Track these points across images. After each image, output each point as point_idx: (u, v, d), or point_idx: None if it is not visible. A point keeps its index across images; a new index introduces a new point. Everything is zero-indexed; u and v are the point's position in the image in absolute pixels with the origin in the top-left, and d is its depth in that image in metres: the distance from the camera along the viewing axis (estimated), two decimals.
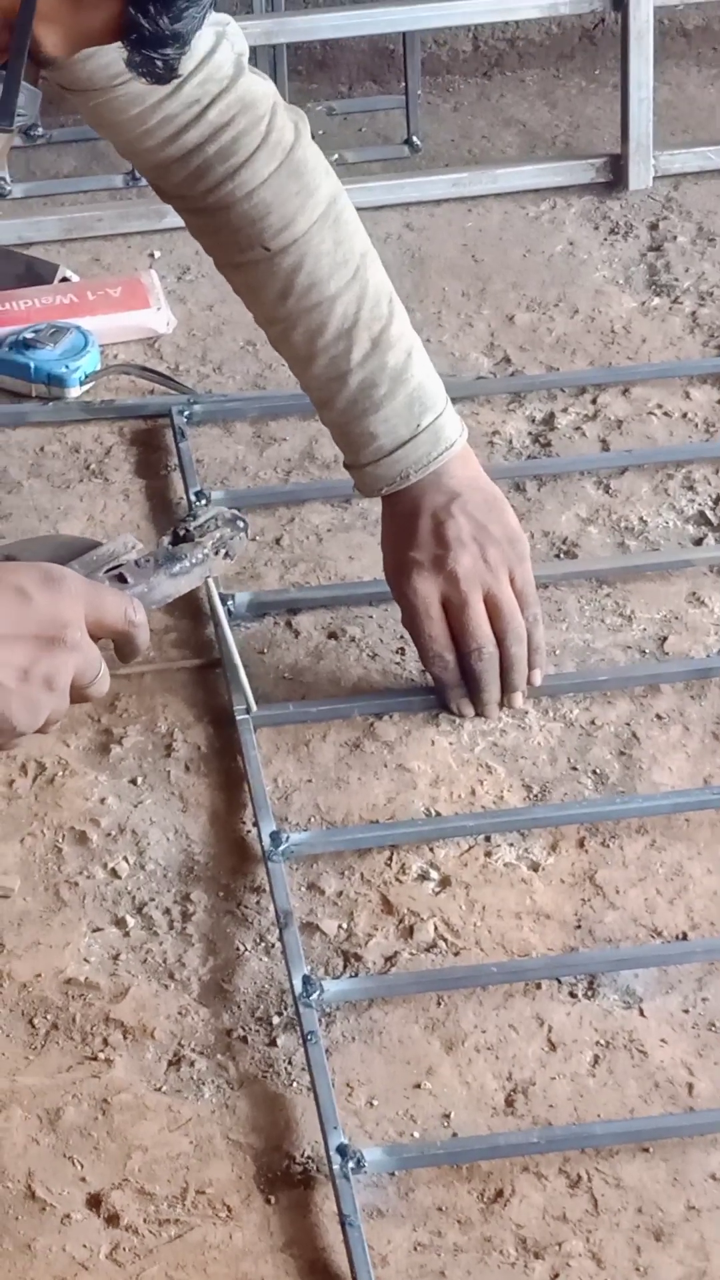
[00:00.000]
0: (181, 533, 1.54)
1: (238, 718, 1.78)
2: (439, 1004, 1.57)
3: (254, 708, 1.77)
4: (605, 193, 2.56)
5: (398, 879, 1.67)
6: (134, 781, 1.76)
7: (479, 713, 1.80)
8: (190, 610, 1.91)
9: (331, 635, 1.91)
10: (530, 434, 2.16)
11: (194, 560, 1.52)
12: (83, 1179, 1.46)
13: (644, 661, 1.88)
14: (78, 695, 1.37)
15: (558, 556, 2.00)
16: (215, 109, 1.70)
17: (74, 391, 2.23)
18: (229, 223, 1.74)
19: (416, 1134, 1.49)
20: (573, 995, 1.58)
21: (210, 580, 1.57)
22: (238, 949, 1.62)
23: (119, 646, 1.42)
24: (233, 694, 1.79)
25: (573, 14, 2.66)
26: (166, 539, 1.54)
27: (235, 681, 1.77)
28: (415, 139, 2.72)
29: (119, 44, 1.28)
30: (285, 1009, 1.57)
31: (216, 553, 1.54)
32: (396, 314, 1.77)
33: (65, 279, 2.39)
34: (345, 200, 1.76)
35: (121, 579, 1.47)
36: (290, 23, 2.58)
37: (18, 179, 2.62)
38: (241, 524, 1.56)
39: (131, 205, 2.49)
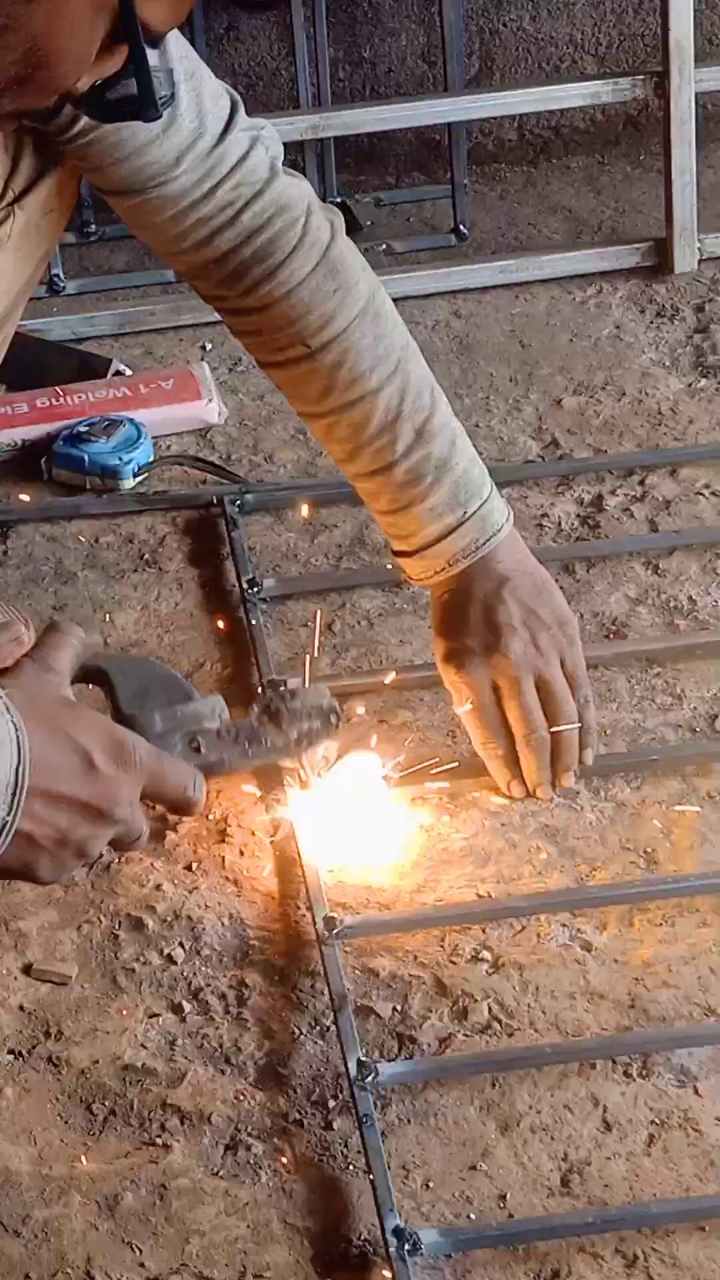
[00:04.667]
0: (274, 709, 1.49)
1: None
2: (494, 1085, 1.58)
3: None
4: (651, 276, 2.59)
5: (451, 960, 1.68)
6: (189, 868, 1.78)
7: (530, 793, 1.81)
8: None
9: (382, 721, 1.92)
10: (579, 516, 2.18)
11: (273, 745, 1.49)
12: (141, 1264, 1.47)
13: (695, 740, 1.89)
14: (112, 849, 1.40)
15: (607, 637, 2.01)
16: (249, 212, 1.72)
17: (128, 483, 2.26)
18: (269, 322, 1.76)
19: (472, 1215, 1.49)
20: (627, 1075, 1.58)
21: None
22: (293, 1033, 1.63)
23: (170, 810, 1.45)
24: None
25: (615, 101, 2.68)
26: (255, 709, 1.49)
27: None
28: (462, 227, 2.75)
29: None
30: (340, 1092, 1.57)
31: (298, 744, 1.50)
32: (439, 404, 1.78)
33: (119, 372, 2.43)
34: (383, 295, 1.78)
35: (197, 749, 1.44)
36: (337, 117, 2.62)
37: (71, 275, 2.67)
38: (334, 719, 1.52)
39: (183, 299, 2.52)
